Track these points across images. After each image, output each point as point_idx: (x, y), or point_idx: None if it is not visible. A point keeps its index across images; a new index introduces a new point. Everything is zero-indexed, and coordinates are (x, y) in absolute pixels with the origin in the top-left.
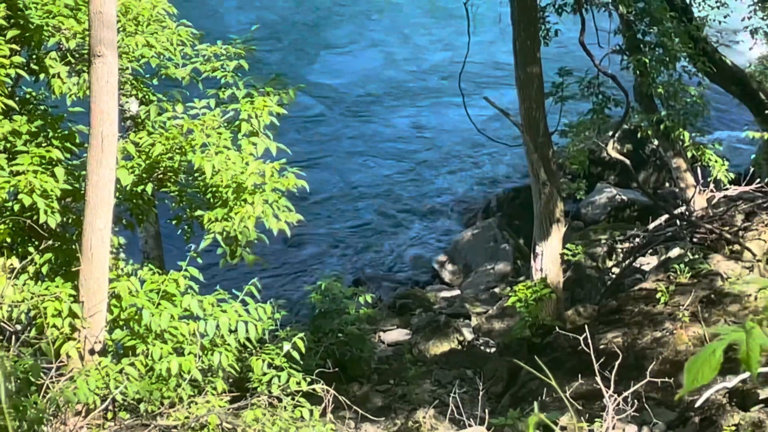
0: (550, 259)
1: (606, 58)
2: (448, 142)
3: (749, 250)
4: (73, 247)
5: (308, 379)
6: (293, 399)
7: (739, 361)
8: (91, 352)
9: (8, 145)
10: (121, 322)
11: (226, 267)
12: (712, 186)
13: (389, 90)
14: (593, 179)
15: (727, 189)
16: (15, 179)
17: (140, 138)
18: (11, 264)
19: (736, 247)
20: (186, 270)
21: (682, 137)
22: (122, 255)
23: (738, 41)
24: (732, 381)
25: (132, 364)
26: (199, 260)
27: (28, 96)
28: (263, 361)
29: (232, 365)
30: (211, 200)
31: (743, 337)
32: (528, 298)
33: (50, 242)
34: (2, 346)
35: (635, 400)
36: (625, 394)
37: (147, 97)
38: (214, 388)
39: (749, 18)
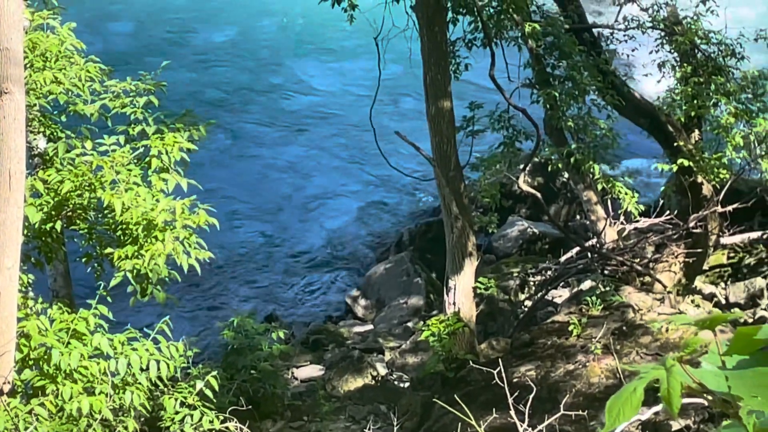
0: (462, 292)
1: (516, 92)
2: (359, 177)
3: (660, 281)
4: None
5: (221, 417)
6: None
7: (652, 394)
8: (0, 392)
9: None
10: (30, 362)
11: (138, 305)
12: (622, 218)
13: (298, 123)
14: (505, 212)
15: (637, 221)
16: None
17: (49, 175)
18: None
19: (647, 278)
20: (95, 308)
21: (592, 170)
22: (31, 293)
23: (646, 74)
24: (645, 413)
25: (42, 405)
26: (109, 299)
27: None
28: (176, 399)
29: (144, 404)
30: (122, 237)
31: (664, 374)
32: (441, 332)
33: None
34: None
35: None
36: (540, 427)
37: (55, 133)
38: (126, 428)
39: (657, 51)
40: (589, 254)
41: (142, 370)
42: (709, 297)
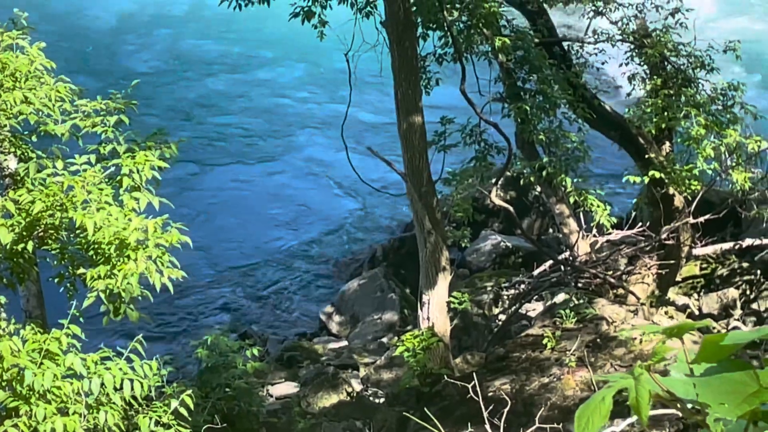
0: (436, 307)
1: (487, 106)
2: (331, 193)
3: (633, 293)
4: None
5: None
6: None
7: (627, 405)
8: None
9: None
10: (3, 383)
11: (110, 324)
12: (594, 231)
13: (273, 139)
14: (478, 227)
15: (609, 233)
16: None
17: (20, 195)
18: None
19: (620, 291)
20: (68, 328)
21: (564, 183)
22: (3, 314)
23: (616, 87)
24: (620, 425)
25: (15, 426)
26: (81, 319)
27: None
28: (150, 418)
29: (118, 424)
30: (94, 257)
31: (632, 383)
32: (416, 347)
33: None
34: None
35: None
36: None
37: (26, 153)
38: None
39: (627, 64)
40: (562, 267)
41: (115, 389)
42: (683, 308)
